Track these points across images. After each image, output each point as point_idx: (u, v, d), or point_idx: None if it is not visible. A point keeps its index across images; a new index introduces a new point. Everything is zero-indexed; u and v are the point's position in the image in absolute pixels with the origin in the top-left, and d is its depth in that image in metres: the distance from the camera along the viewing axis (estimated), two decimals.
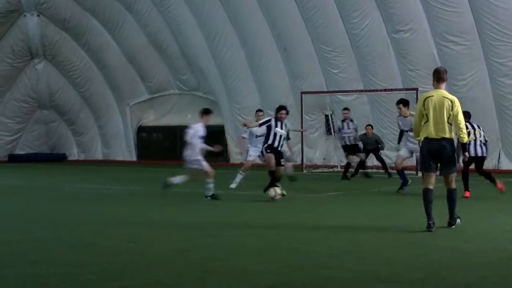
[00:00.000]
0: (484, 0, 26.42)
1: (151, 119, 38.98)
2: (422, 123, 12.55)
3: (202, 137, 18.15)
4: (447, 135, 12.43)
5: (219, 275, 8.89)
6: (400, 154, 20.15)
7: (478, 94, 26.42)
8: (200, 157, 18.16)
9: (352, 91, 30.13)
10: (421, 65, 28.55)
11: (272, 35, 31.75)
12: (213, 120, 35.61)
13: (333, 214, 15.50)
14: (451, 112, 12.42)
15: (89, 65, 38.44)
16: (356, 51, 29.96)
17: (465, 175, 17.99)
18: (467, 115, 16.73)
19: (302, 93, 30.27)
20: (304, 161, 30.08)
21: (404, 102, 20.37)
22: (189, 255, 10.32)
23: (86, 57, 38.27)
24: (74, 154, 40.97)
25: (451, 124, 12.46)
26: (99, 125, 39.86)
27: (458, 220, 12.83)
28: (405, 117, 20.00)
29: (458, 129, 12.58)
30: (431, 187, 12.59)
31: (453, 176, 12.68)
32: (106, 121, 39.53)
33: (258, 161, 21.59)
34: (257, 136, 20.86)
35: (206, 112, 18.56)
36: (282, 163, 18.53)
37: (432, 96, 12.57)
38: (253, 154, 21.20)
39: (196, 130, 18.17)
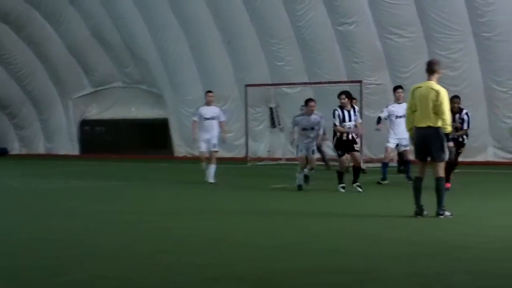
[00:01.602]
0: None
1: (94, 112, 38.58)
2: (412, 112, 13.01)
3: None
4: (432, 124, 12.79)
5: (166, 268, 8.80)
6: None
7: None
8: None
9: (297, 83, 30.13)
10: (365, 57, 28.70)
11: (217, 27, 31.61)
12: (157, 113, 35.91)
13: (282, 206, 15.43)
14: (436, 103, 12.78)
15: (31, 58, 37.85)
16: (301, 43, 29.97)
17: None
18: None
19: (246, 85, 30.22)
20: (249, 154, 30.04)
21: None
22: (136, 248, 10.21)
23: (28, 50, 37.67)
24: (15, 148, 40.40)
25: (437, 114, 12.79)
26: (42, 119, 39.32)
27: (447, 213, 12.87)
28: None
29: (441, 120, 12.84)
30: (421, 175, 13.03)
31: (441, 164, 12.91)
32: (49, 115, 38.99)
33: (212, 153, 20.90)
34: (206, 119, 20.39)
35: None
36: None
37: (421, 87, 13.15)
38: (203, 146, 20.45)
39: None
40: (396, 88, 20.64)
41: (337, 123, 17.64)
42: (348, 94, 17.99)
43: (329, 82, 28.64)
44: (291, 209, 14.79)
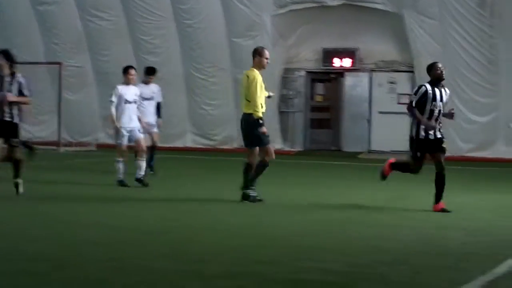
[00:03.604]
0: None
1: None
2: None
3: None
4: (245, 110, 12.81)
5: None
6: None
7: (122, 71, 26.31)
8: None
9: None
10: (66, 39, 28.00)
11: None
12: None
13: None
14: (245, 89, 12.80)
15: None
16: None
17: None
18: None
19: None
20: None
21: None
22: None
23: None
24: None
25: (248, 100, 12.77)
26: None
27: (253, 193, 12.87)
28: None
29: (251, 106, 12.77)
30: (251, 161, 12.91)
31: (251, 151, 12.90)
32: None
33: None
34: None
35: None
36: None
37: (244, 73, 13.11)
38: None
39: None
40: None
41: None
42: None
43: (27, 63, 27.43)
44: None
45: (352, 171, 20.85)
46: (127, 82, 15.63)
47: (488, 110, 24.50)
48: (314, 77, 27.90)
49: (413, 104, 12.40)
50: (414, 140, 12.41)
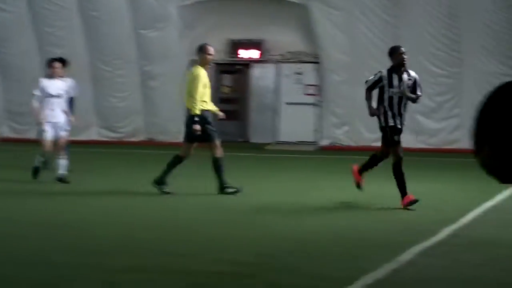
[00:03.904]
0: None
1: None
2: None
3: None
4: (186, 105, 13.12)
5: None
6: None
7: (26, 63, 25.81)
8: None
9: None
10: None
11: None
12: None
13: None
14: (188, 85, 13.05)
15: None
16: None
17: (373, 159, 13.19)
18: None
19: None
20: None
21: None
22: None
23: None
24: None
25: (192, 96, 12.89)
26: None
27: (165, 187, 12.91)
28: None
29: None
30: (180, 153, 13.27)
31: (185, 144, 13.36)
32: None
33: None
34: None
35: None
36: None
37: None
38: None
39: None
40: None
41: None
42: None
43: None
44: None
45: (260, 162, 20.89)
46: (51, 75, 15.09)
47: None
48: (221, 68, 27.79)
49: (366, 87, 12.06)
50: (387, 128, 12.17)
